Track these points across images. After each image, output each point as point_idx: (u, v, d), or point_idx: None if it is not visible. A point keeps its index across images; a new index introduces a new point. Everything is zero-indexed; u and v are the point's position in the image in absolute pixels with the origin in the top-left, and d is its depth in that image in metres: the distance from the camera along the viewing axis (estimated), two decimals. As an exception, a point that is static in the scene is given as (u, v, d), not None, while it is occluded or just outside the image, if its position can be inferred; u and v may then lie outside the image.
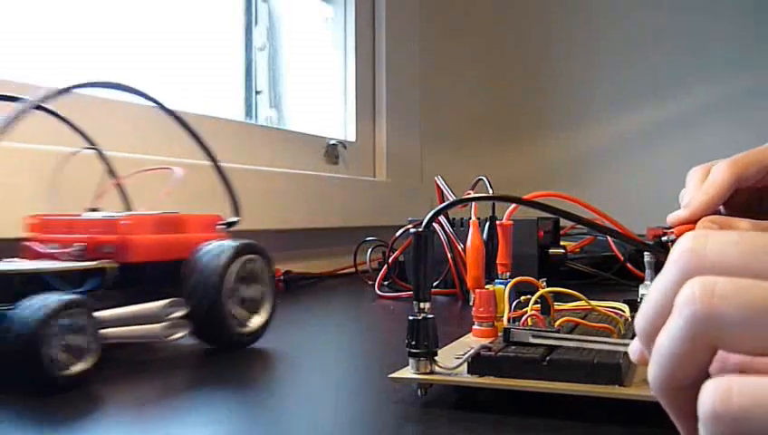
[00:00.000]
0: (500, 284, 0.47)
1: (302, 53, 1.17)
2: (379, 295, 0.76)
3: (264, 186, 0.90)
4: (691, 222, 0.40)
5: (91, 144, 0.53)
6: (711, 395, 0.18)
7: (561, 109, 1.51)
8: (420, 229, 0.33)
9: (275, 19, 1.12)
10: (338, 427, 0.32)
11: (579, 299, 0.41)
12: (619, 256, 0.81)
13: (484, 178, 0.64)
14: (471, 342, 0.41)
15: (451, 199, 0.64)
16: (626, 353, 0.32)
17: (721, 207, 0.43)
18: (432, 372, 0.33)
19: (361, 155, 1.26)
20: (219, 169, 0.51)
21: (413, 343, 0.33)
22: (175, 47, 0.90)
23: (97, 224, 0.45)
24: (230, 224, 0.51)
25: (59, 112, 0.50)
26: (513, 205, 0.51)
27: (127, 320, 0.42)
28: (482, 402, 0.33)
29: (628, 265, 0.80)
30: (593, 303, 0.41)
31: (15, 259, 0.45)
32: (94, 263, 0.43)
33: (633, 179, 1.41)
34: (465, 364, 0.33)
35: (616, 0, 1.47)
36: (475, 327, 0.43)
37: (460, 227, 0.75)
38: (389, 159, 1.29)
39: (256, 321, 0.48)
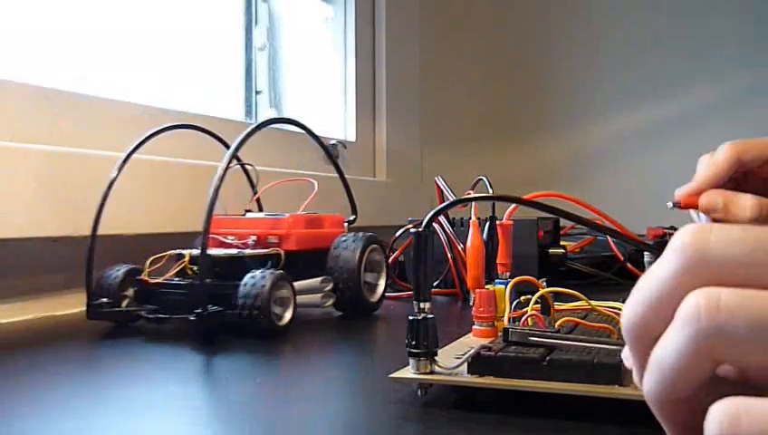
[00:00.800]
0: (500, 284, 0.47)
1: (302, 53, 1.17)
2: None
3: (263, 186, 0.90)
4: (696, 194, 0.40)
5: (240, 161, 0.67)
6: (718, 419, 0.18)
7: (561, 109, 1.51)
8: (420, 229, 0.33)
9: (275, 19, 1.12)
10: (338, 427, 0.32)
11: (579, 299, 0.41)
12: (619, 256, 0.81)
13: (484, 178, 0.64)
14: (471, 342, 0.41)
15: (451, 199, 0.64)
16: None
17: None
18: (432, 372, 0.33)
19: (361, 155, 1.26)
20: (343, 179, 0.70)
21: (413, 343, 0.33)
22: (175, 47, 0.90)
23: (265, 222, 0.60)
24: (351, 222, 0.69)
25: (221, 136, 0.66)
26: (513, 205, 0.51)
27: (302, 290, 0.56)
28: (482, 402, 0.33)
29: (628, 265, 0.80)
30: (593, 303, 0.41)
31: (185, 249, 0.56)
32: (270, 250, 0.57)
33: (633, 179, 1.41)
34: (465, 364, 0.33)
35: (615, 0, 1.47)
36: (475, 327, 0.43)
37: (460, 227, 0.75)
38: (389, 159, 1.29)
39: (379, 292, 0.64)
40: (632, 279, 0.77)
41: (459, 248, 0.71)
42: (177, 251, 0.55)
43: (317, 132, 1.19)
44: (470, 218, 0.60)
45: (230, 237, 0.59)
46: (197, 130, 0.64)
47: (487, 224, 0.65)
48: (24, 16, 0.72)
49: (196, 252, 0.54)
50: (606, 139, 1.47)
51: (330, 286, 0.60)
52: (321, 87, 1.22)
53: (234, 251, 0.56)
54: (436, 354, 0.33)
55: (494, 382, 0.32)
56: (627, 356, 0.23)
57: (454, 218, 0.76)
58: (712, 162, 0.42)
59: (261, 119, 1.08)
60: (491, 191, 0.61)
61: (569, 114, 1.50)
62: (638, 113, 1.44)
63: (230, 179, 0.53)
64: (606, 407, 0.31)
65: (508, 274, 0.50)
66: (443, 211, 0.51)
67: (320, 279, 0.59)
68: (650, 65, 1.42)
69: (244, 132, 0.55)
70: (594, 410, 0.31)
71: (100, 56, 0.80)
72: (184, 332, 0.53)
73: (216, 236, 0.58)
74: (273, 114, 1.10)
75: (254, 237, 0.58)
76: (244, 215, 0.64)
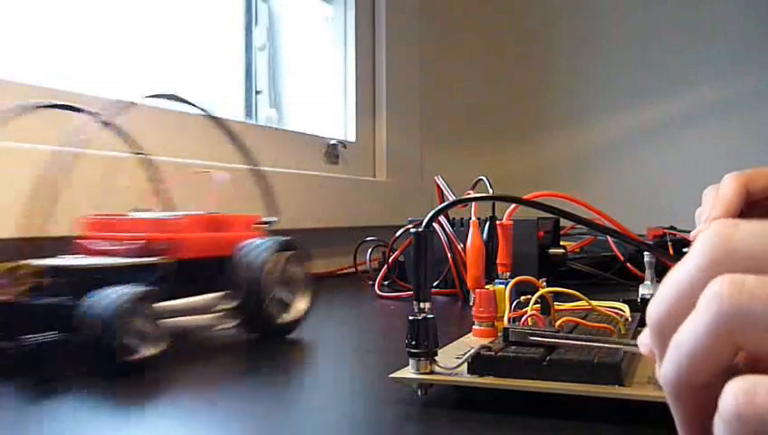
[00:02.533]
0: (500, 284, 0.47)
1: (302, 53, 1.17)
2: (379, 295, 0.76)
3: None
4: None
5: (138, 151, 0.56)
6: (735, 394, 0.18)
7: (561, 108, 1.51)
8: (420, 229, 0.33)
9: (275, 19, 1.12)
10: (338, 426, 0.32)
11: (579, 299, 0.41)
12: (619, 256, 0.81)
13: (484, 179, 0.64)
14: (471, 342, 0.41)
15: (451, 199, 0.64)
16: (626, 353, 0.32)
17: None
18: (432, 372, 0.33)
19: (361, 155, 1.26)
20: (259, 173, 0.56)
21: (413, 343, 0.33)
22: (175, 47, 0.90)
23: (151, 223, 0.49)
24: (268, 223, 0.56)
25: (214, 137, 0.56)
26: (513, 205, 0.51)
27: (183, 311, 0.46)
28: (482, 402, 0.33)
29: (628, 265, 0.80)
30: (593, 303, 0.41)
31: (66, 256, 0.47)
32: (154, 259, 0.46)
33: (633, 179, 1.41)
34: (465, 364, 0.33)
35: None
36: (475, 327, 0.43)
37: (460, 227, 0.75)
38: (389, 159, 1.29)
39: (293, 311, 0.52)
40: (632, 279, 0.78)
41: (459, 248, 0.71)
42: (26, 262, 0.43)
43: (317, 132, 1.18)
44: (470, 218, 0.60)
45: (110, 243, 0.48)
46: (61, 108, 0.49)
47: (487, 224, 0.65)
48: (26, 15, 0.72)
49: (53, 262, 0.43)
50: (606, 138, 1.47)
51: (231, 304, 0.48)
52: (321, 87, 1.22)
53: (94, 261, 0.44)
54: (436, 354, 0.33)
55: (494, 382, 0.32)
56: (643, 343, 0.23)
57: (454, 218, 0.76)
58: (721, 199, 0.42)
59: (261, 119, 1.08)
60: (491, 191, 0.61)
61: (569, 114, 1.50)
62: (639, 113, 1.44)
63: (123, 172, 0.46)
64: (606, 407, 0.31)
65: (508, 274, 0.50)
66: (443, 211, 0.50)
67: (215, 295, 0.48)
68: (651, 65, 1.42)
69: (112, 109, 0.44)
70: (594, 410, 0.31)
71: (100, 56, 0.80)
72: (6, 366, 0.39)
73: (84, 242, 0.48)
74: (273, 114, 1.10)
75: (136, 242, 0.47)
76: (126, 216, 0.51)
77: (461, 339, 0.42)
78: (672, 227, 0.82)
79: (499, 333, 0.37)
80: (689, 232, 0.53)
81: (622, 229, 0.61)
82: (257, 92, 1.08)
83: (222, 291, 0.48)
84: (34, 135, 0.59)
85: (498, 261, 0.51)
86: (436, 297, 0.75)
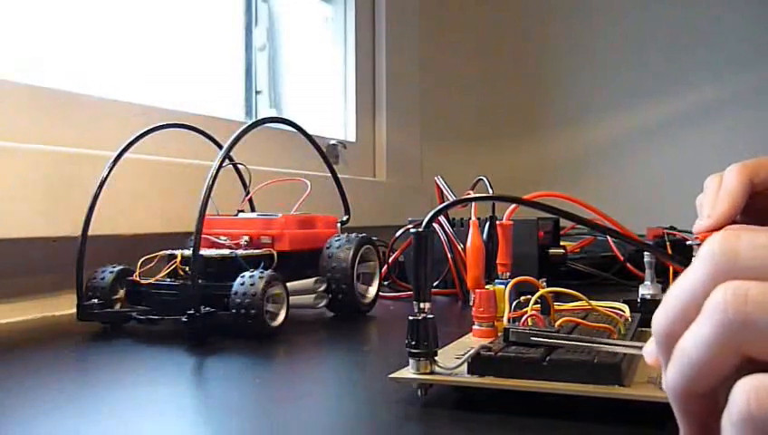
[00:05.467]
0: (500, 284, 0.47)
1: (302, 53, 1.17)
2: (379, 295, 0.76)
3: (256, 186, 0.90)
4: (716, 230, 0.40)
5: (232, 160, 0.66)
6: (745, 393, 0.18)
7: (561, 108, 1.51)
8: (420, 229, 0.33)
9: (275, 19, 1.12)
10: (338, 426, 0.32)
11: (579, 299, 0.41)
12: (619, 256, 0.81)
13: (484, 179, 0.64)
14: (471, 342, 0.41)
15: (451, 199, 0.64)
16: (626, 354, 0.32)
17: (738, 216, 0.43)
18: (432, 372, 0.33)
19: (361, 155, 1.26)
20: (337, 179, 0.68)
21: (413, 343, 0.33)
22: (175, 47, 0.90)
23: (257, 222, 0.59)
24: (344, 222, 0.67)
25: (214, 137, 0.65)
26: (513, 205, 0.51)
27: (295, 291, 0.56)
28: (482, 402, 0.33)
29: (628, 265, 0.80)
30: (593, 303, 0.41)
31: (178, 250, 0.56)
32: (263, 250, 0.57)
33: (633, 179, 1.41)
34: (465, 364, 0.33)
35: None
36: (475, 327, 0.43)
37: (460, 227, 0.75)
38: (389, 158, 1.29)
39: (372, 292, 0.64)
40: (632, 279, 0.78)
41: (459, 248, 0.71)
42: (169, 251, 0.55)
43: (317, 132, 1.18)
44: (470, 218, 0.60)
45: (222, 238, 0.58)
46: (188, 129, 0.64)
47: (487, 224, 0.65)
48: (27, 16, 0.72)
49: (187, 252, 0.53)
50: (606, 138, 1.47)
51: (323, 287, 0.59)
52: (321, 87, 1.22)
53: (226, 251, 0.56)
54: (436, 354, 0.33)
55: (494, 382, 0.32)
56: (648, 352, 0.23)
57: (454, 218, 0.76)
58: (726, 191, 0.41)
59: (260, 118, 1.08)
60: (491, 191, 0.61)
61: (569, 114, 1.50)
62: (639, 113, 1.44)
63: (223, 180, 0.53)
64: (606, 407, 0.31)
65: (508, 274, 0.50)
66: (443, 211, 0.51)
67: (313, 280, 0.58)
68: (651, 64, 1.42)
69: (238, 131, 0.55)
70: (594, 410, 0.31)
71: (100, 56, 0.80)
72: (175, 333, 0.52)
73: (208, 236, 0.58)
74: (273, 114, 1.10)
75: (246, 238, 0.58)
76: (236, 215, 0.63)
77: (461, 339, 0.42)
78: (672, 227, 0.82)
79: (499, 334, 0.37)
80: (689, 232, 0.53)
81: (622, 229, 0.61)
82: (257, 92, 1.08)
83: (314, 277, 0.59)
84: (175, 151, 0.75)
85: (498, 261, 0.51)
86: (436, 297, 0.75)
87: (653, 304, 0.46)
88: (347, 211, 0.68)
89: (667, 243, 0.72)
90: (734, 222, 0.42)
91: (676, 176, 1.32)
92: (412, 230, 0.33)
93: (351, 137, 1.24)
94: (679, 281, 0.21)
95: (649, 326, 0.22)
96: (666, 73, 1.41)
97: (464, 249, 0.62)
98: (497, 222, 0.54)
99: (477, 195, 0.63)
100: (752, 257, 0.20)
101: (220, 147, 0.59)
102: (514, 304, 0.41)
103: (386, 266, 0.80)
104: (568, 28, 1.50)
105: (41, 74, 0.70)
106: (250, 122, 0.57)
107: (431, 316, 0.33)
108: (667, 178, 1.36)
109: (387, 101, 1.29)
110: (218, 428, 0.32)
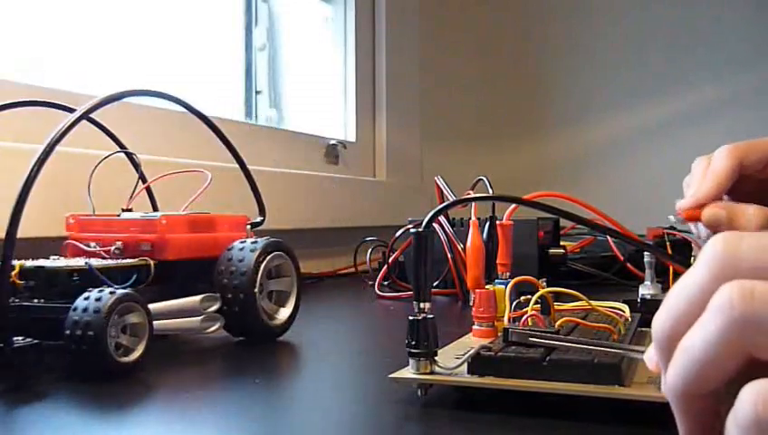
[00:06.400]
0: (500, 284, 0.47)
1: (302, 53, 1.17)
2: (379, 296, 0.76)
3: (264, 186, 0.90)
4: (698, 207, 0.40)
5: (124, 148, 0.55)
6: (753, 399, 0.17)
7: (561, 108, 1.51)
8: (420, 229, 0.33)
9: (275, 19, 1.12)
10: (338, 426, 0.32)
11: (579, 299, 0.41)
12: (619, 256, 0.81)
13: (484, 179, 0.64)
14: (471, 342, 0.41)
15: (451, 199, 0.64)
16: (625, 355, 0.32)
17: (725, 196, 0.43)
18: (432, 372, 0.33)
19: (361, 155, 1.26)
20: (246, 172, 0.55)
21: (413, 343, 0.33)
22: (175, 47, 0.90)
23: (135, 224, 0.48)
24: (256, 224, 0.55)
25: (96, 119, 0.52)
26: (513, 205, 0.51)
27: (168, 313, 0.45)
28: (482, 402, 0.33)
29: (628, 265, 0.80)
30: (593, 303, 0.41)
31: (55, 257, 0.47)
32: (136, 260, 0.46)
33: (633, 179, 1.41)
34: (465, 364, 0.33)
35: None
36: (475, 327, 0.43)
37: (460, 227, 0.75)
38: (389, 158, 1.29)
39: (284, 314, 0.51)
40: (632, 279, 0.78)
41: (459, 248, 0.71)
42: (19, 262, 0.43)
43: (317, 132, 1.18)
44: (470, 218, 0.60)
45: (92, 244, 0.47)
46: (36, 105, 0.51)
47: (487, 224, 0.65)
48: (27, 16, 0.72)
49: (29, 263, 0.43)
50: (606, 138, 1.47)
51: (214, 307, 0.47)
52: (321, 87, 1.22)
53: (79, 262, 0.44)
54: (436, 354, 0.33)
55: (494, 382, 0.32)
56: (650, 358, 0.23)
57: (454, 218, 0.76)
58: (713, 172, 0.41)
59: (261, 119, 1.08)
60: (491, 191, 0.61)
61: (569, 114, 1.50)
62: (638, 113, 1.44)
63: (114, 171, 0.46)
64: (606, 407, 0.31)
65: (508, 274, 0.50)
66: (443, 211, 0.51)
67: (200, 297, 0.47)
68: (650, 64, 1.42)
69: (90, 103, 0.42)
70: (594, 410, 0.31)
71: (100, 56, 0.80)
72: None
73: (76, 242, 0.48)
74: (273, 114, 1.10)
75: (119, 244, 0.47)
76: (118, 216, 0.51)
77: (461, 339, 0.42)
78: (672, 227, 0.82)
79: (499, 334, 0.37)
80: (689, 232, 0.53)
81: (622, 229, 0.61)
82: (257, 92, 1.08)
83: (206, 293, 0.47)
84: (23, 134, 0.59)
85: (498, 261, 0.51)
86: (436, 297, 0.75)
87: (653, 303, 0.46)
88: (261, 211, 0.56)
89: (667, 243, 0.72)
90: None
91: (677, 176, 1.32)
92: (412, 230, 0.33)
93: (351, 137, 1.24)
94: (681, 282, 0.21)
95: (649, 326, 0.22)
96: (666, 73, 1.41)
97: (464, 249, 0.62)
98: (497, 222, 0.54)
99: (477, 195, 0.63)
100: (755, 258, 0.19)
101: (70, 111, 0.45)
102: (514, 304, 0.41)
103: (386, 266, 0.80)
104: (568, 28, 1.50)
105: (40, 74, 0.70)
106: (104, 96, 0.44)
107: (431, 316, 0.33)
108: (667, 178, 1.35)
109: (387, 101, 1.29)
110: None
